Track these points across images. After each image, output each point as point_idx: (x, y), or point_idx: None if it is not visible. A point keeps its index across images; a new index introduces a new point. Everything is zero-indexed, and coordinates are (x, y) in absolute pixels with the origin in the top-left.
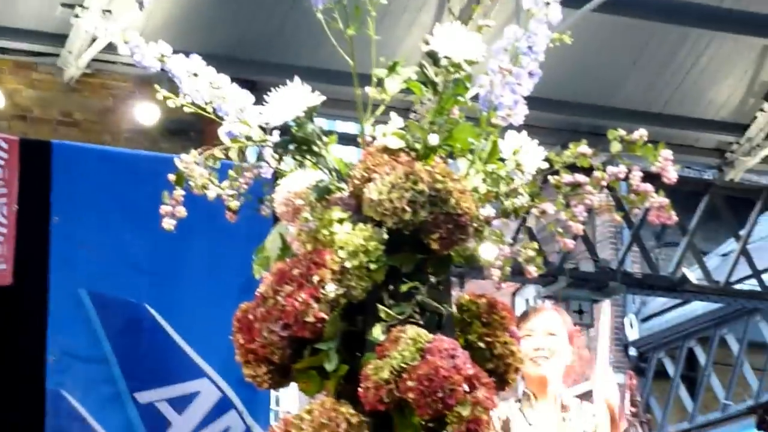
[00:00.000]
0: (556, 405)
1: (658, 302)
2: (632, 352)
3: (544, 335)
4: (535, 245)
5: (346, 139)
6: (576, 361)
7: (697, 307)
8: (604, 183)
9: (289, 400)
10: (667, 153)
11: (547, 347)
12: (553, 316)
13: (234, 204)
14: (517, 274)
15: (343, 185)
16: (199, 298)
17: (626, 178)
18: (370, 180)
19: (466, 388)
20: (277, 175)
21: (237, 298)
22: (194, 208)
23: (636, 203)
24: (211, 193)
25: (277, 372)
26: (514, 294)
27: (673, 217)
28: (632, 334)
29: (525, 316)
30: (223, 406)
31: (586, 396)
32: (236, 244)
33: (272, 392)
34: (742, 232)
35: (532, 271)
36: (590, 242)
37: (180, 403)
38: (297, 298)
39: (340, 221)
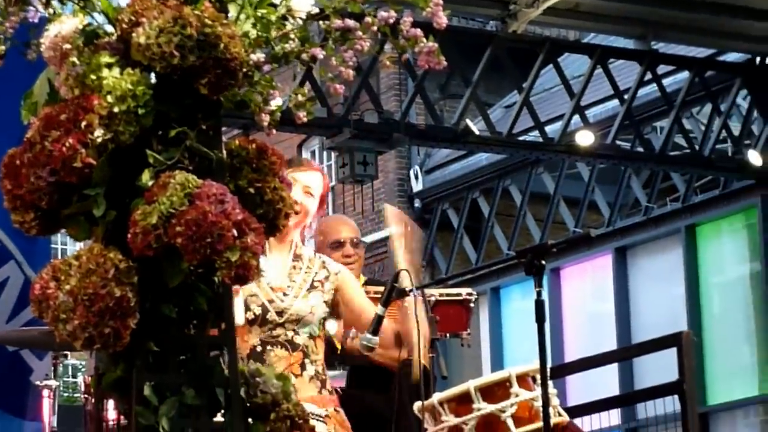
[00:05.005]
0: (290, 252)
1: (442, 154)
2: (417, 203)
3: (301, 192)
4: (305, 91)
5: None
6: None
7: (481, 159)
8: (375, 28)
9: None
10: None
11: (300, 203)
12: (317, 178)
13: (0, 48)
14: (299, 125)
15: (111, 30)
16: None
17: (396, 24)
18: (138, 24)
19: (235, 233)
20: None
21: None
22: None
23: (406, 48)
24: None
25: (46, 218)
26: (300, 146)
27: (443, 62)
28: (417, 185)
29: (290, 163)
30: (2, 257)
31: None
32: (12, 96)
33: (59, 246)
34: (525, 84)
35: (302, 116)
36: (374, 93)
37: None
38: (64, 143)
39: (108, 66)
